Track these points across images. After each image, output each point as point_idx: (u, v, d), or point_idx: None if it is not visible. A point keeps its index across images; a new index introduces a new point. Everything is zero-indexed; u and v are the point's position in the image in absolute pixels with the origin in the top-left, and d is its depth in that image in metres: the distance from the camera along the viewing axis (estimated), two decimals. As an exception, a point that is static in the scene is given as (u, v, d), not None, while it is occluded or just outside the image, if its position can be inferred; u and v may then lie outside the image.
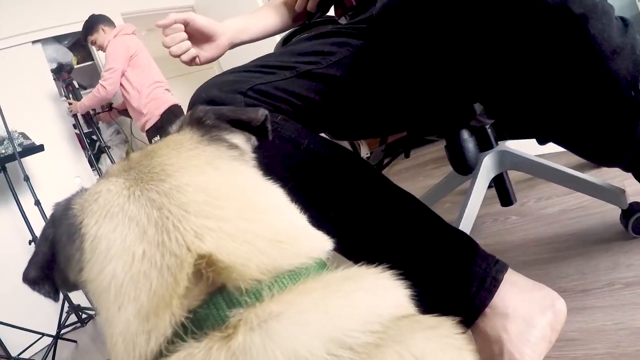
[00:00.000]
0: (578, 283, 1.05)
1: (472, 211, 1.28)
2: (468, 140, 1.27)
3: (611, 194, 1.17)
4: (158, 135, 3.46)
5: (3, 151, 3.11)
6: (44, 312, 2.96)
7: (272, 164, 0.76)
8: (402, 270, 0.47)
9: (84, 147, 4.01)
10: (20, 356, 3.01)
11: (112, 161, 4.04)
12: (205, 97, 0.90)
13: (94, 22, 3.58)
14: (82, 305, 3.23)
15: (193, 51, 1.07)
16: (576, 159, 1.64)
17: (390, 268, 0.46)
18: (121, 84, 3.51)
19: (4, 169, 3.14)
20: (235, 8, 3.07)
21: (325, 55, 1.00)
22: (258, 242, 0.43)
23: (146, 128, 3.58)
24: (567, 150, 0.83)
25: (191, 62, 1.08)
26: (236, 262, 0.41)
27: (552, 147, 1.52)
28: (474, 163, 1.27)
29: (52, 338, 2.93)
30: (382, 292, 0.44)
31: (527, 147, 1.34)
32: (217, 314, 0.40)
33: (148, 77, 3.53)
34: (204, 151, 0.53)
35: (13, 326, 2.89)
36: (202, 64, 1.11)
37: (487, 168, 1.31)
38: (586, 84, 0.65)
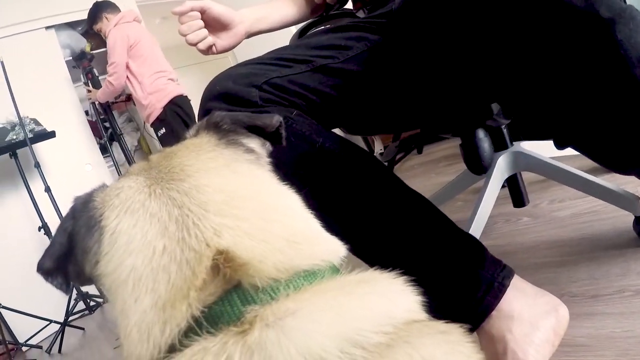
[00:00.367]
0: (588, 288, 1.04)
1: (485, 211, 1.27)
2: (483, 140, 1.26)
3: (625, 200, 1.16)
4: (163, 128, 3.42)
5: (14, 137, 3.12)
6: (52, 299, 2.98)
7: (286, 160, 0.76)
8: (412, 271, 0.48)
9: (96, 135, 4.02)
10: (27, 342, 3.04)
11: (124, 149, 4.05)
12: (219, 89, 0.90)
13: (97, 11, 3.54)
14: (90, 293, 3.26)
15: (210, 39, 1.05)
16: (590, 162, 1.61)
17: (401, 269, 0.47)
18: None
19: (15, 155, 3.16)
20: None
21: (342, 49, 0.99)
22: (275, 241, 0.44)
23: (150, 121, 3.53)
24: (583, 155, 0.81)
25: (208, 50, 1.07)
26: (253, 259, 0.42)
27: (566, 150, 1.52)
28: (489, 163, 1.27)
29: (59, 325, 2.97)
30: (395, 296, 0.44)
31: (541, 149, 1.33)
32: (232, 310, 0.41)
33: (150, 67, 3.45)
34: (221, 154, 0.54)
35: (21, 312, 2.92)
36: (218, 52, 1.10)
37: (501, 168, 1.30)
38: (609, 89, 0.63)
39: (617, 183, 1.19)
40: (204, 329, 0.40)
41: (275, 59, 0.96)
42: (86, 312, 3.22)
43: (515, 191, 1.39)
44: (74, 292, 3.10)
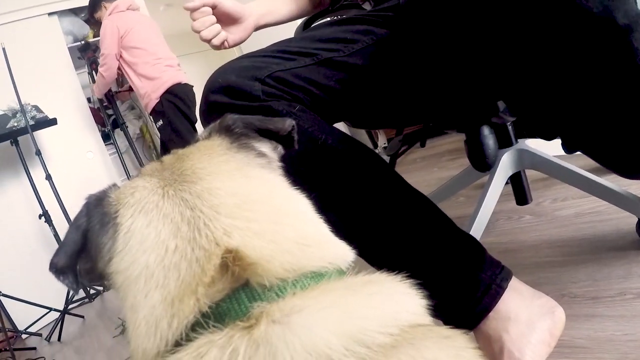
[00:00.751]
0: (589, 290, 1.04)
1: (488, 208, 1.28)
2: (488, 137, 1.26)
3: (628, 202, 1.15)
4: (161, 120, 3.37)
5: (15, 124, 3.11)
6: (52, 287, 2.98)
7: (288, 156, 0.76)
8: (411, 270, 0.48)
9: (98, 122, 4.01)
10: (27, 330, 3.05)
11: (128, 138, 4.05)
12: (221, 82, 0.89)
13: (93, 2, 3.53)
14: (90, 280, 3.26)
15: (223, 34, 1.06)
16: (593, 162, 1.61)
17: (399, 267, 0.49)
18: (120, 66, 3.45)
19: (16, 142, 3.16)
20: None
21: (347, 43, 0.98)
22: (284, 242, 0.46)
23: (148, 111, 3.51)
24: (592, 159, 0.80)
25: (221, 45, 1.08)
26: (261, 259, 0.43)
27: (570, 149, 1.51)
28: (493, 160, 1.27)
29: (59, 313, 2.98)
30: (401, 297, 0.45)
31: (546, 147, 1.32)
32: (239, 307, 0.41)
33: (145, 56, 3.38)
34: (233, 157, 0.56)
35: (21, 300, 2.93)
36: (230, 47, 1.11)
37: (505, 165, 1.30)
38: (622, 96, 0.63)
39: (621, 184, 1.18)
40: (210, 323, 0.41)
41: (279, 51, 0.95)
42: (86, 300, 3.23)
43: (518, 189, 1.38)
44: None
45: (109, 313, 2.90)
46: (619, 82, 0.62)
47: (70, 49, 3.91)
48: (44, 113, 3.31)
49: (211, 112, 0.89)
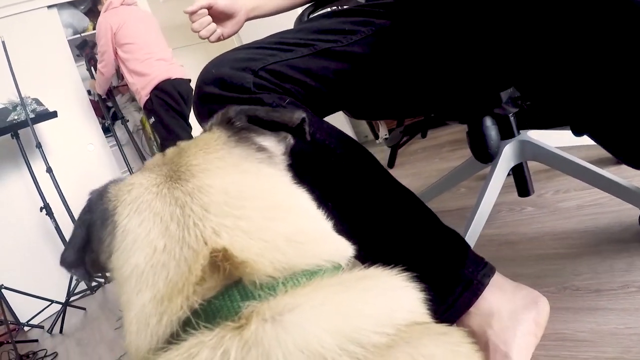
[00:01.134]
0: (591, 282, 1.03)
1: (490, 200, 1.27)
2: (491, 128, 1.25)
3: (631, 194, 1.14)
4: (153, 118, 3.36)
5: (16, 117, 3.11)
6: (53, 280, 3.01)
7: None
8: (395, 263, 0.48)
9: (98, 115, 4.00)
10: (29, 322, 3.06)
11: (127, 129, 4.04)
12: (215, 73, 0.90)
13: None
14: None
15: (219, 31, 1.15)
16: (597, 153, 1.61)
17: (385, 262, 0.48)
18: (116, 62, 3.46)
19: (17, 135, 3.15)
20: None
21: (346, 33, 0.98)
22: (275, 239, 0.45)
23: (142, 107, 3.51)
24: (599, 145, 0.78)
25: (217, 40, 1.17)
26: (249, 258, 0.43)
27: (573, 140, 1.50)
28: (495, 151, 1.26)
29: (61, 305, 2.98)
30: (396, 294, 0.45)
31: (548, 139, 1.31)
32: (231, 305, 0.41)
33: (137, 51, 3.35)
34: (230, 153, 0.55)
35: (23, 293, 2.94)
36: (225, 39, 1.19)
37: (507, 157, 1.29)
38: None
39: (623, 176, 1.17)
40: (201, 324, 0.41)
41: (276, 43, 0.96)
42: (87, 292, 3.24)
43: (520, 180, 1.37)
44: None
45: (111, 305, 2.91)
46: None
47: (70, 41, 3.89)
48: (44, 106, 3.30)
49: (203, 103, 0.89)
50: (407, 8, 0.97)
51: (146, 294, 0.44)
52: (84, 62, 4.04)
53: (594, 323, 0.92)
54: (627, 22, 0.57)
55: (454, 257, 0.88)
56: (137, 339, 0.43)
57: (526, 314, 0.85)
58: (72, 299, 3.07)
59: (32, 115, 3.12)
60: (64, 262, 0.53)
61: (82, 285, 3.19)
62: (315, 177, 0.87)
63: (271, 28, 1.10)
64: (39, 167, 3.15)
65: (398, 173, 2.72)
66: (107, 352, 2.20)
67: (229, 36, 1.19)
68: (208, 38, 1.14)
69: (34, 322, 3.10)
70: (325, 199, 0.86)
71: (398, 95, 1.07)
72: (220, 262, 0.43)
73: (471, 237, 1.23)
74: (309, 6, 1.38)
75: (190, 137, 2.16)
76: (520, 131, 1.34)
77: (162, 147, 3.21)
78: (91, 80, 3.83)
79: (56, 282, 3.01)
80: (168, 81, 3.34)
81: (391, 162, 2.92)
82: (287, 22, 1.32)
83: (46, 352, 2.52)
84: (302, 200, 0.54)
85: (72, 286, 3.08)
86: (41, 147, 3.10)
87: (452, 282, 0.86)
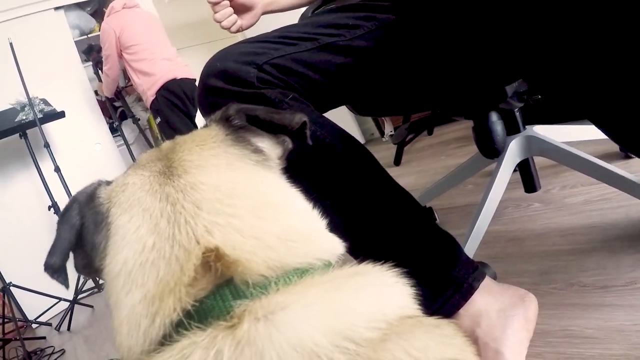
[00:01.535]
0: (598, 279, 1.02)
1: (496, 196, 1.26)
2: (497, 123, 1.25)
3: (638, 188, 1.12)
4: (159, 118, 3.37)
5: (24, 117, 3.13)
6: (61, 278, 3.01)
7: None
8: (387, 261, 0.48)
9: (105, 115, 4.02)
10: (37, 320, 3.08)
11: (138, 127, 4.05)
12: (219, 66, 0.90)
13: (100, 7, 3.57)
14: (99, 271, 3.29)
15: (239, 22, 1.19)
16: (603, 148, 1.59)
17: (378, 260, 0.48)
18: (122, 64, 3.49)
19: (25, 135, 3.17)
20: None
21: (349, 28, 0.98)
22: (267, 238, 0.45)
23: (148, 107, 3.52)
24: (611, 138, 0.76)
25: (237, 31, 1.20)
26: (241, 256, 0.42)
27: (579, 135, 1.49)
28: (502, 147, 1.25)
29: (69, 303, 2.99)
30: (387, 290, 0.45)
31: (554, 133, 1.30)
32: (223, 304, 0.41)
33: (142, 53, 3.37)
34: (225, 152, 0.55)
35: (31, 290, 2.95)
36: (244, 30, 1.23)
37: (513, 152, 1.28)
38: None
39: (631, 171, 1.15)
40: (193, 324, 0.40)
41: (281, 37, 0.96)
42: (95, 290, 3.25)
43: (527, 176, 1.37)
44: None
45: (119, 304, 2.91)
46: None
47: (76, 42, 3.91)
48: (52, 106, 3.32)
49: (207, 95, 0.90)
50: (411, 2, 0.96)
51: (136, 294, 0.43)
52: (90, 64, 4.06)
53: (601, 320, 0.91)
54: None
55: (446, 259, 0.89)
56: (128, 340, 0.43)
57: (514, 310, 0.85)
58: (79, 296, 3.09)
59: (40, 116, 3.14)
60: (50, 267, 0.51)
61: (90, 283, 3.22)
62: (313, 173, 0.87)
63: (275, 23, 1.11)
64: (47, 167, 3.16)
65: (404, 171, 2.71)
66: (115, 349, 2.19)
67: (247, 28, 1.22)
68: (229, 28, 1.17)
69: (42, 319, 3.12)
70: (322, 196, 0.86)
71: (401, 90, 1.06)
72: (213, 262, 0.42)
73: (477, 234, 1.23)
74: (318, 3, 1.39)
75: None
76: (526, 126, 1.33)
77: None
78: (99, 82, 3.86)
79: (64, 280, 3.02)
80: (174, 81, 3.35)
81: (397, 160, 2.91)
82: (291, 17, 1.33)
83: (54, 349, 2.53)
84: (294, 199, 0.53)
85: (79, 284, 3.11)
86: (49, 146, 3.12)
87: (442, 284, 0.86)
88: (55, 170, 3.11)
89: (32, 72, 3.28)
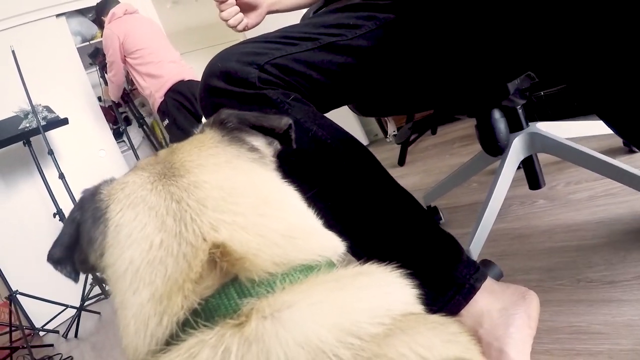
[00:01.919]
0: (605, 274, 1.01)
1: (500, 193, 1.26)
2: (499, 121, 1.25)
3: (644, 183, 1.12)
4: (166, 119, 3.40)
5: (28, 125, 3.14)
6: (67, 285, 2.97)
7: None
8: (389, 262, 0.48)
9: (109, 120, 4.03)
10: (44, 327, 3.09)
11: (147, 127, 4.05)
12: (221, 67, 0.90)
13: (98, 15, 3.60)
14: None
15: (245, 20, 1.20)
16: (607, 143, 1.59)
17: (380, 260, 0.48)
18: (127, 69, 3.51)
19: (29, 143, 3.18)
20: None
21: (350, 28, 0.98)
22: (271, 235, 0.45)
23: (155, 111, 3.54)
24: (615, 133, 0.76)
25: (243, 30, 1.21)
26: (248, 253, 0.42)
27: (583, 131, 1.48)
28: (505, 144, 1.25)
29: (75, 310, 3.00)
30: (391, 288, 0.45)
31: (557, 130, 1.30)
32: (229, 303, 0.41)
33: (147, 57, 3.40)
34: (223, 151, 0.56)
35: (37, 298, 2.96)
36: (249, 29, 1.24)
37: (516, 150, 1.28)
38: None
39: (636, 165, 1.15)
40: (200, 321, 0.40)
41: (282, 37, 0.96)
42: (102, 296, 3.26)
43: (531, 173, 1.36)
44: (90, 277, 3.13)
45: (125, 309, 2.92)
46: None
47: (79, 49, 3.93)
48: (55, 113, 3.33)
49: (209, 96, 0.90)
50: (411, 1, 0.97)
51: (144, 293, 0.43)
52: (93, 70, 4.08)
53: (608, 315, 0.91)
54: None
55: (447, 260, 0.89)
56: (135, 340, 0.43)
57: (516, 309, 0.85)
58: (86, 303, 3.10)
59: (43, 123, 3.15)
60: (51, 258, 0.53)
61: (97, 290, 3.22)
62: (314, 174, 0.88)
63: (277, 23, 1.11)
64: (51, 174, 3.17)
65: (409, 171, 2.71)
66: (122, 355, 2.19)
67: (253, 27, 1.23)
68: (235, 27, 1.18)
69: (49, 326, 3.13)
70: (323, 196, 0.86)
71: (403, 89, 1.06)
72: (219, 258, 0.42)
73: (483, 232, 1.22)
74: (320, 3, 1.39)
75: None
76: (529, 123, 1.32)
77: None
78: (105, 87, 3.89)
79: (70, 287, 3.01)
80: (181, 82, 3.38)
81: (402, 160, 2.90)
82: (293, 17, 1.33)
83: (62, 357, 2.54)
84: (291, 198, 0.54)
85: (86, 291, 3.11)
86: (53, 153, 3.13)
87: (444, 284, 0.87)
88: (59, 177, 3.12)
89: (34, 79, 3.29)
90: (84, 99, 3.85)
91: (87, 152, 3.71)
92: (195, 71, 3.55)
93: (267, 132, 0.62)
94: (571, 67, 0.67)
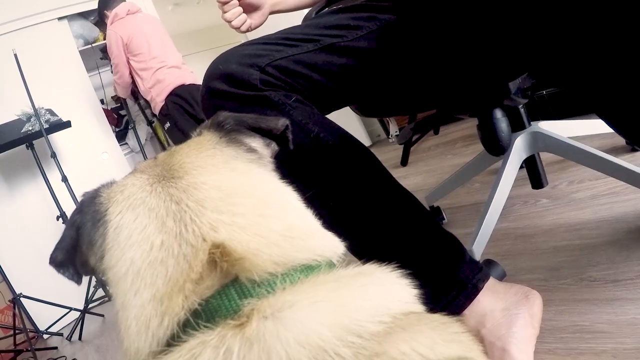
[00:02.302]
0: (608, 273, 1.01)
1: (503, 193, 1.26)
2: (501, 120, 1.24)
3: (647, 181, 1.12)
4: (168, 122, 3.40)
5: (30, 128, 3.15)
6: (71, 287, 2.97)
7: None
8: (392, 262, 0.48)
9: (112, 123, 4.04)
10: (48, 330, 3.10)
11: (152, 129, 4.05)
12: (222, 69, 0.91)
13: (99, 10, 3.58)
14: (109, 280, 3.30)
15: (248, 21, 1.20)
16: (609, 142, 1.58)
17: (383, 261, 0.48)
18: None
19: (32, 146, 3.19)
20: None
21: (351, 29, 0.98)
22: (271, 235, 0.45)
23: (157, 114, 3.54)
24: (615, 132, 0.76)
25: (246, 30, 1.22)
26: (248, 252, 0.42)
27: (585, 130, 1.48)
28: (507, 144, 1.25)
29: (79, 312, 3.01)
30: (392, 288, 0.45)
31: (560, 129, 1.29)
32: (229, 304, 0.41)
33: (149, 60, 3.40)
34: (221, 152, 0.56)
35: (41, 301, 2.97)
36: (252, 30, 1.24)
37: (519, 149, 1.28)
38: None
39: (637, 163, 1.15)
40: (201, 322, 0.40)
41: (283, 38, 0.97)
42: (106, 299, 3.26)
43: (533, 172, 1.36)
44: (93, 279, 3.13)
45: (129, 312, 2.92)
46: None
47: (81, 52, 3.93)
48: (57, 116, 3.34)
49: (211, 98, 0.90)
50: (412, 1, 0.97)
51: (145, 294, 0.43)
52: (95, 72, 4.08)
53: (612, 314, 0.90)
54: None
55: (450, 261, 0.89)
56: (137, 341, 0.43)
57: (518, 308, 0.85)
58: (90, 306, 3.10)
59: (46, 126, 3.15)
60: (53, 261, 0.53)
61: (100, 292, 3.23)
62: (316, 175, 0.88)
63: (277, 25, 1.12)
64: (54, 177, 3.18)
65: (411, 171, 2.71)
66: (125, 358, 2.21)
67: (256, 27, 1.23)
68: (239, 28, 1.18)
69: (53, 329, 3.14)
70: (324, 198, 0.87)
71: (404, 89, 1.07)
72: (219, 258, 0.42)
73: (486, 232, 1.22)
74: (321, 3, 1.40)
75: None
76: (532, 122, 1.32)
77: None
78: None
79: (74, 289, 3.03)
80: (183, 87, 3.38)
81: (404, 160, 2.90)
82: (294, 18, 1.33)
83: (66, 359, 2.54)
84: (289, 198, 0.54)
85: (90, 293, 3.12)
86: (56, 156, 3.13)
87: (447, 285, 0.87)
88: (62, 180, 3.12)
89: (37, 82, 3.30)
90: (87, 102, 3.85)
91: (90, 154, 3.72)
92: (196, 74, 3.55)
93: (264, 133, 0.62)
94: (570, 66, 0.67)
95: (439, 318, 0.43)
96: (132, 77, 3.55)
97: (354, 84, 0.99)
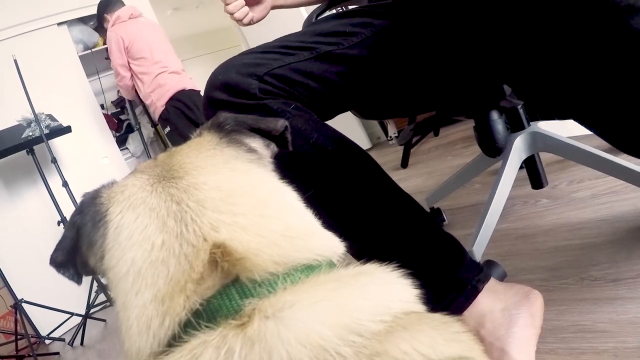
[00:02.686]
0: (609, 272, 1.01)
1: (503, 193, 1.26)
2: (497, 122, 1.24)
3: (646, 180, 1.12)
4: (168, 127, 3.41)
5: (31, 134, 3.15)
6: (73, 292, 3.02)
7: (282, 152, 0.76)
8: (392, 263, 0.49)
9: (112, 128, 4.04)
10: (50, 335, 3.09)
11: (160, 136, 4.07)
12: (222, 79, 0.92)
13: (99, 12, 3.59)
14: (111, 284, 3.30)
15: (251, 14, 1.20)
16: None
17: (381, 260, 0.49)
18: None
19: (32, 151, 3.19)
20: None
21: (346, 36, 0.99)
22: (271, 235, 0.45)
23: (156, 118, 3.56)
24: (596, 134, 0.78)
25: (249, 23, 1.22)
26: (249, 252, 0.42)
27: (585, 130, 1.48)
28: (503, 145, 1.25)
29: (81, 317, 3.01)
30: (392, 287, 0.45)
31: (559, 129, 1.30)
32: (230, 304, 0.41)
33: (150, 65, 3.41)
34: (221, 152, 0.56)
35: (43, 306, 2.97)
36: (254, 23, 1.24)
37: (518, 149, 1.28)
38: (621, 78, 0.60)
39: (637, 162, 1.15)
40: (202, 322, 0.40)
41: (280, 47, 0.98)
42: (107, 304, 3.26)
43: (533, 172, 1.36)
44: (95, 284, 3.14)
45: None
46: (618, 62, 0.59)
47: (81, 57, 3.95)
48: (58, 121, 3.35)
49: (212, 108, 0.91)
50: (405, 7, 0.97)
51: (146, 294, 0.43)
52: (95, 77, 4.09)
53: (613, 313, 0.90)
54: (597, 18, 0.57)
55: (450, 262, 0.89)
56: (138, 342, 0.43)
57: (518, 308, 0.85)
58: (92, 311, 3.10)
59: (46, 131, 3.16)
60: (53, 262, 0.53)
61: (102, 297, 3.22)
62: (315, 179, 0.88)
63: (279, 31, 1.13)
64: (55, 182, 3.18)
65: (411, 173, 2.71)
66: (127, 362, 2.21)
67: (258, 20, 1.24)
68: (241, 20, 1.19)
69: (55, 335, 3.14)
70: (324, 202, 0.87)
71: (401, 93, 1.07)
72: (220, 258, 0.42)
73: (486, 232, 1.22)
74: (322, 5, 1.40)
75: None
76: (531, 123, 1.32)
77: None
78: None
79: (76, 294, 3.04)
80: (183, 92, 3.40)
81: (404, 162, 2.90)
82: (293, 23, 1.34)
83: (68, 365, 2.54)
84: (289, 198, 0.54)
85: (91, 298, 3.12)
86: (56, 162, 3.14)
87: (446, 286, 0.87)
88: (63, 185, 3.13)
89: (37, 88, 3.31)
90: (87, 107, 3.87)
91: (91, 159, 3.73)
92: (195, 78, 3.57)
93: (264, 134, 0.62)
94: (546, 76, 0.69)
95: (439, 317, 0.43)
96: (133, 80, 3.55)
97: (351, 90, 1.00)
